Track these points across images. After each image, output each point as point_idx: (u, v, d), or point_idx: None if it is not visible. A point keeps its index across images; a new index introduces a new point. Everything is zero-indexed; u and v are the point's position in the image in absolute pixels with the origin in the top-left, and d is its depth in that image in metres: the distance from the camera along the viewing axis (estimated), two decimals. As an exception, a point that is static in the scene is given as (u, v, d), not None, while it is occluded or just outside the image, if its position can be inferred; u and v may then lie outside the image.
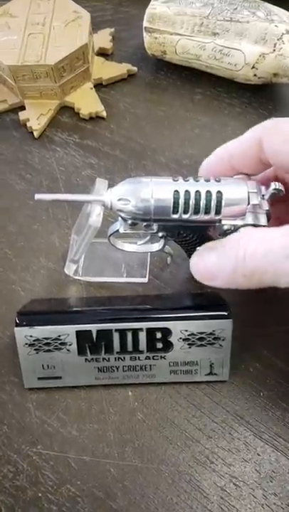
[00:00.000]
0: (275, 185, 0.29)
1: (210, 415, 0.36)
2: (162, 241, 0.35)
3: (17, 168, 0.47)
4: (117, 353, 0.35)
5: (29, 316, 0.35)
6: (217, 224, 0.30)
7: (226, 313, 0.34)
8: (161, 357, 0.35)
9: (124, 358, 0.35)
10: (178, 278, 0.41)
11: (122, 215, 0.31)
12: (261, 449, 0.35)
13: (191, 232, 0.33)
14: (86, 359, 0.35)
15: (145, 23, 0.50)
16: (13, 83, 0.48)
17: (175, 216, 0.30)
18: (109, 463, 0.34)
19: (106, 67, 0.52)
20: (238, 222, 0.30)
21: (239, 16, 0.47)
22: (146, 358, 0.35)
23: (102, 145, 0.48)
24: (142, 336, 0.35)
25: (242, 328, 0.38)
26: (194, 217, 0.30)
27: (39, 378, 0.36)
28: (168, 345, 0.35)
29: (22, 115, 0.49)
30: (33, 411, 0.36)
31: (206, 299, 0.38)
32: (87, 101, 0.50)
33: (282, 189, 0.30)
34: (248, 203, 0.30)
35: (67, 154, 0.48)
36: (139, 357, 0.35)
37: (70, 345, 0.35)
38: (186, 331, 0.34)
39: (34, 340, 0.35)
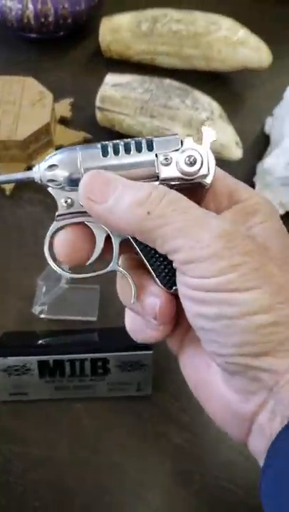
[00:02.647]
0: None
1: (138, 419, 0.49)
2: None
3: (-8, 222, 0.59)
4: (69, 376, 0.48)
5: (3, 350, 0.47)
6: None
7: (148, 347, 0.47)
8: (101, 379, 0.48)
9: (74, 380, 0.48)
10: (121, 314, 0.54)
11: (53, 185, 0.29)
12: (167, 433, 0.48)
13: None
14: (46, 381, 0.48)
15: (97, 103, 0.62)
16: (-11, 151, 0.59)
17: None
18: (62, 456, 0.47)
19: (66, 135, 0.64)
20: None
21: (171, 103, 0.60)
22: (90, 380, 0.48)
23: (61, 203, 0.60)
24: (87, 364, 0.47)
25: (165, 354, 0.51)
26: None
27: (10, 394, 0.48)
28: (106, 371, 0.48)
29: (-4, 176, 0.60)
30: (6, 418, 0.48)
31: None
32: (50, 165, 0.61)
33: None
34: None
35: (34, 210, 0.59)
36: (85, 379, 0.48)
37: (33, 371, 0.47)
38: (120, 360, 0.47)
39: (7, 367, 0.47)
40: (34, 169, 0.30)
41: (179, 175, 0.29)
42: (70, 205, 0.30)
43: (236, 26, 0.65)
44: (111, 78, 0.62)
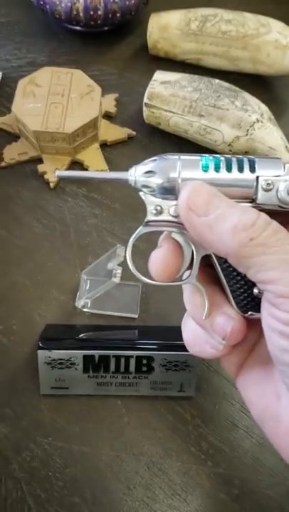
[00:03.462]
0: None
1: (179, 420, 0.48)
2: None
3: (35, 213, 0.58)
4: (112, 372, 0.47)
5: (48, 342, 0.47)
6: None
7: (194, 348, 0.47)
8: (145, 377, 0.47)
9: (117, 376, 0.47)
10: (160, 314, 0.53)
11: (146, 191, 0.30)
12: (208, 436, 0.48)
13: None
14: (88, 376, 0.47)
15: (145, 100, 0.61)
16: (35, 141, 0.59)
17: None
18: (102, 452, 0.47)
19: (110, 131, 0.63)
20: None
21: (221, 103, 0.59)
22: (133, 378, 0.47)
23: (104, 198, 0.60)
24: (132, 361, 0.47)
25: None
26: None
27: (52, 387, 0.48)
28: (151, 369, 0.47)
29: (40, 168, 0.60)
30: (46, 412, 0.48)
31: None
32: (94, 159, 0.61)
33: None
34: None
35: (76, 204, 0.59)
36: (128, 376, 0.47)
37: (77, 365, 0.47)
38: (165, 359, 0.47)
39: (51, 360, 0.46)
40: (130, 171, 0.30)
41: (277, 202, 0.28)
42: (159, 213, 0.30)
43: (287, 29, 0.65)
44: (160, 75, 0.62)
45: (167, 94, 0.61)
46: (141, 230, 0.31)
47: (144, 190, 0.30)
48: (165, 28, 0.68)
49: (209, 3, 0.69)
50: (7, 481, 0.45)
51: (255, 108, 0.60)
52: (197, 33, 0.67)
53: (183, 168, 0.29)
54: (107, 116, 0.66)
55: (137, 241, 0.32)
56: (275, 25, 0.65)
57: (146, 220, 0.31)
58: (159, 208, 0.30)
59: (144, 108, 0.62)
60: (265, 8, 0.69)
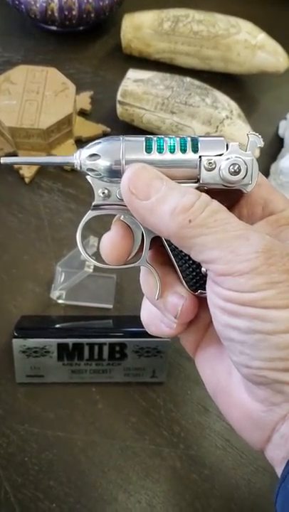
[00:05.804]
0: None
1: (152, 405, 0.50)
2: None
3: (10, 208, 0.59)
4: (86, 360, 0.49)
5: (24, 331, 0.48)
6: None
7: (165, 334, 0.49)
8: (118, 364, 0.49)
9: (91, 363, 0.49)
10: (135, 304, 0.55)
11: (93, 174, 0.29)
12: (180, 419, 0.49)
13: None
14: (63, 363, 0.49)
15: (118, 97, 0.63)
16: (11, 138, 0.60)
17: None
18: (76, 437, 0.48)
19: (85, 127, 0.65)
20: None
21: (192, 100, 0.61)
22: (107, 364, 0.49)
23: (80, 193, 0.61)
24: (106, 349, 0.48)
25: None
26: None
27: (27, 376, 0.49)
28: (124, 356, 0.49)
29: (16, 163, 0.61)
30: (22, 399, 0.49)
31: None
32: (69, 155, 0.62)
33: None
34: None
35: (52, 199, 0.60)
36: (102, 363, 0.49)
37: (52, 353, 0.48)
38: (137, 346, 0.48)
39: (26, 349, 0.48)
40: (75, 155, 0.29)
41: (220, 181, 0.28)
42: (107, 197, 0.29)
43: (256, 30, 0.67)
44: (133, 74, 0.64)
45: (140, 92, 0.62)
46: (90, 213, 0.31)
47: (90, 173, 0.29)
48: (138, 28, 0.70)
49: (181, 4, 0.71)
50: (-16, 467, 0.46)
51: (225, 105, 0.62)
52: (170, 33, 0.69)
53: (126, 150, 0.28)
54: (82, 113, 0.67)
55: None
56: (245, 25, 0.68)
57: (94, 204, 0.30)
58: (106, 191, 0.29)
59: (118, 105, 0.63)
60: (234, 9, 0.72)
